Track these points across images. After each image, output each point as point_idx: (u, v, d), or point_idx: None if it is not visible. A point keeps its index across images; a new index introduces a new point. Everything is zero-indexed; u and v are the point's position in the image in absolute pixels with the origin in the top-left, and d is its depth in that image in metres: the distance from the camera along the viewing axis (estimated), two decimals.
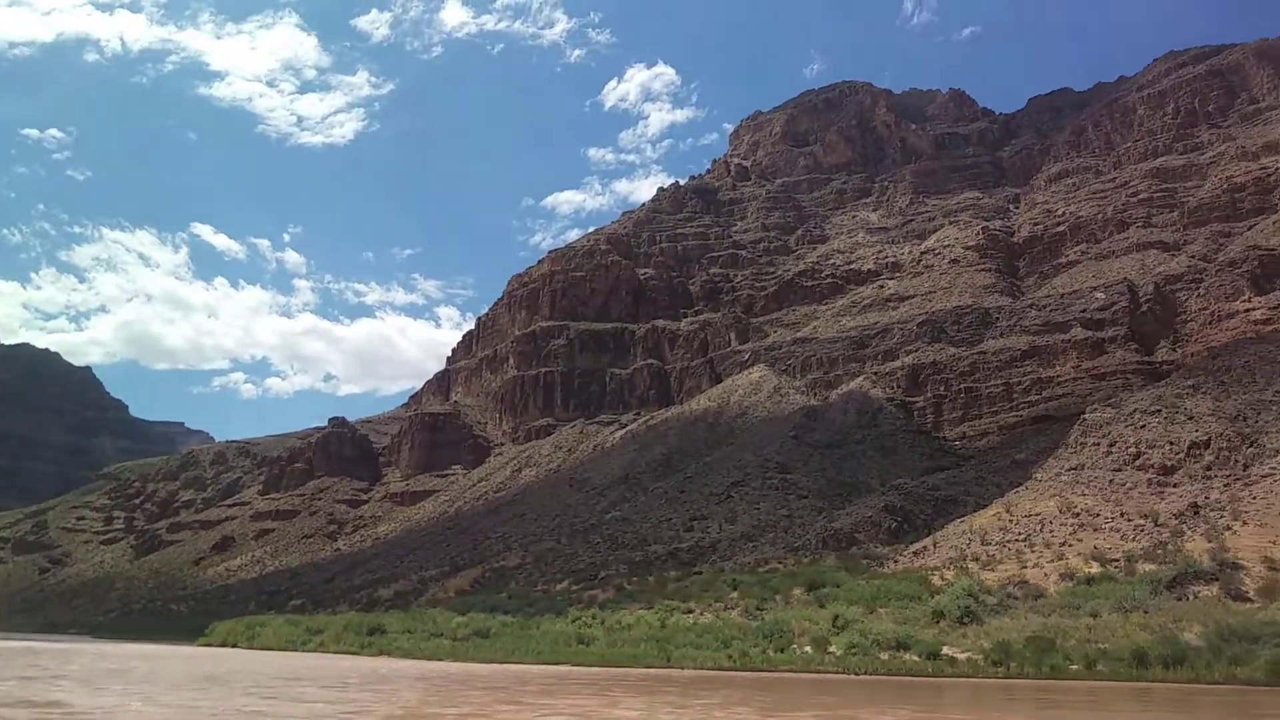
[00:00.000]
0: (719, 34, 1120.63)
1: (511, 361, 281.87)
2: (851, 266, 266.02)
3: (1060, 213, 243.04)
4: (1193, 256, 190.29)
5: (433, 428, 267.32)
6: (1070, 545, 67.01)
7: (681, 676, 40.51)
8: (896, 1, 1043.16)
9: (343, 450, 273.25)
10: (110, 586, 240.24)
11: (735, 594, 74.48)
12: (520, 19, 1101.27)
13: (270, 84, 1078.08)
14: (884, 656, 45.15)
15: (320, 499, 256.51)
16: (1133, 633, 44.12)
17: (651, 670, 44.35)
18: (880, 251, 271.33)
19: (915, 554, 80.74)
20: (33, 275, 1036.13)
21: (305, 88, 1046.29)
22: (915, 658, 44.38)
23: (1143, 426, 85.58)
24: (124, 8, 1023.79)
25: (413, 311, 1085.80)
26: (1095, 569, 60.43)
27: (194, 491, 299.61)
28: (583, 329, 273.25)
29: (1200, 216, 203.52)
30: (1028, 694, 36.55)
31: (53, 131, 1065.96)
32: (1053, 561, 64.08)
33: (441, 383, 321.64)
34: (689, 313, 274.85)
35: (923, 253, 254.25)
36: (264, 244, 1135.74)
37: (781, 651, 46.86)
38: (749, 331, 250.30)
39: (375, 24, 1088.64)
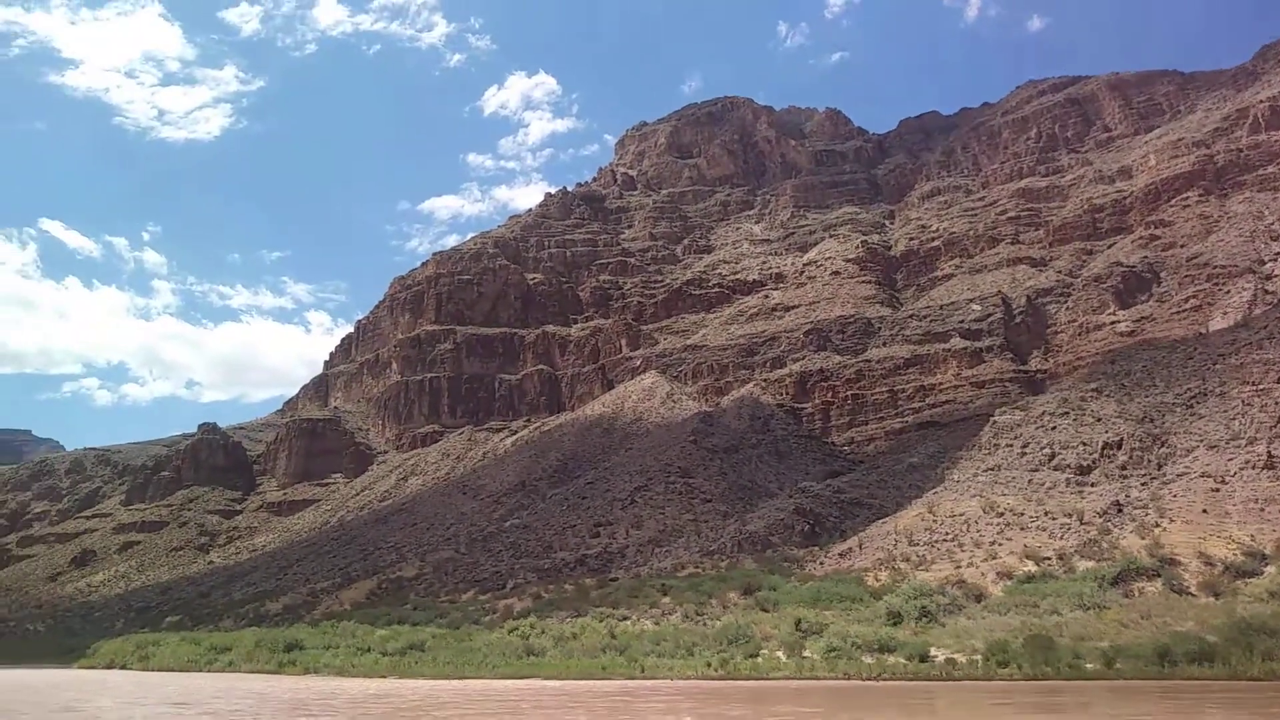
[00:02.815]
0: (600, 46, 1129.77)
1: (395, 366, 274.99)
2: (737, 276, 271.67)
3: (934, 228, 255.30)
4: (1059, 271, 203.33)
5: (311, 434, 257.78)
6: (1000, 544, 70.59)
7: (675, 688, 39.87)
8: (771, 24, 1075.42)
9: (214, 458, 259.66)
10: None
11: (667, 599, 74.91)
12: (398, 20, 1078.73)
13: (129, 75, 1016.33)
14: (868, 660, 46.32)
15: (190, 509, 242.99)
16: (1113, 630, 46.64)
17: (633, 682, 43.81)
18: (764, 262, 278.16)
19: (840, 555, 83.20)
20: None
21: (168, 80, 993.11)
22: (902, 660, 45.72)
23: (1053, 428, 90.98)
24: None
25: (282, 316, 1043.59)
26: (1031, 567, 63.87)
27: (48, 502, 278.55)
28: (470, 333, 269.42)
29: (1064, 234, 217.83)
30: (1100, 696, 36.18)
31: None
32: (986, 561, 67.32)
33: (319, 388, 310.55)
34: (579, 319, 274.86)
35: (805, 264, 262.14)
36: (121, 242, 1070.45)
37: (752, 657, 47.39)
38: (640, 338, 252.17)
39: (245, 17, 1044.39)
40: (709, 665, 45.87)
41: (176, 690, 42.92)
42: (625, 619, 67.96)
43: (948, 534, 76.22)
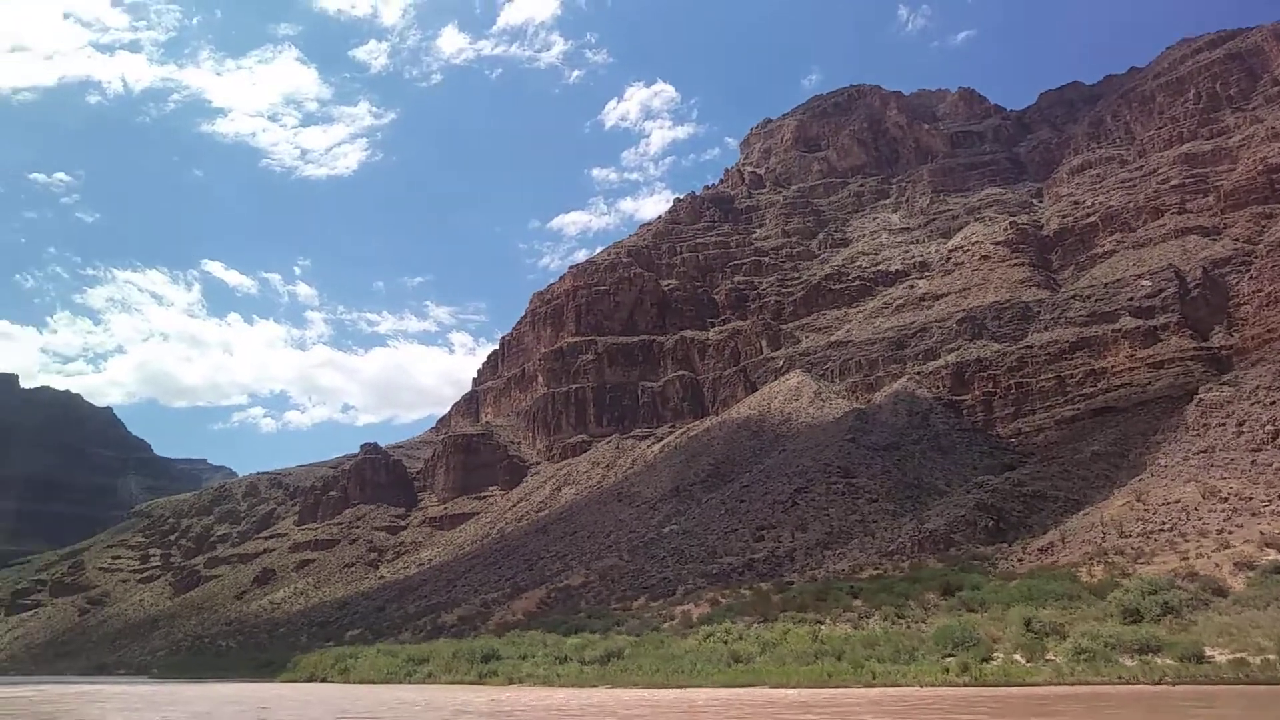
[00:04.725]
0: (716, 49, 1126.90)
1: (540, 379, 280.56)
2: (879, 268, 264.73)
3: (1089, 203, 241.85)
4: (1236, 239, 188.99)
5: (466, 450, 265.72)
6: (1230, 532, 65.31)
7: (932, 697, 37.37)
8: (890, 9, 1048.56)
9: (377, 476, 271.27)
10: (153, 625, 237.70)
11: (859, 602, 72.64)
12: (517, 43, 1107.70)
13: (273, 118, 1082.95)
14: (1126, 662, 43.13)
15: (358, 527, 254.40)
16: None
17: (871, 690, 41.81)
18: (906, 251, 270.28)
19: (1041, 551, 78.89)
20: (48, 319, 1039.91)
21: (307, 120, 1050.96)
22: (1170, 662, 42.22)
23: (1273, 403, 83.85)
24: (124, 48, 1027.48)
25: (426, 339, 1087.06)
26: (1275, 555, 58.60)
27: (229, 525, 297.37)
28: (610, 343, 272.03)
29: (1238, 199, 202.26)
30: None
31: (60, 175, 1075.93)
32: (1219, 550, 62.34)
33: (470, 404, 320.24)
34: (716, 322, 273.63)
35: (951, 250, 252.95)
36: (275, 278, 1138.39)
37: (986, 661, 44.89)
38: (780, 338, 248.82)
39: (374, 54, 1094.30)
40: (946, 671, 43.55)
41: (449, 702, 43.47)
42: (819, 623, 66.15)
43: (1164, 523, 71.04)
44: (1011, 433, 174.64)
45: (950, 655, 47.23)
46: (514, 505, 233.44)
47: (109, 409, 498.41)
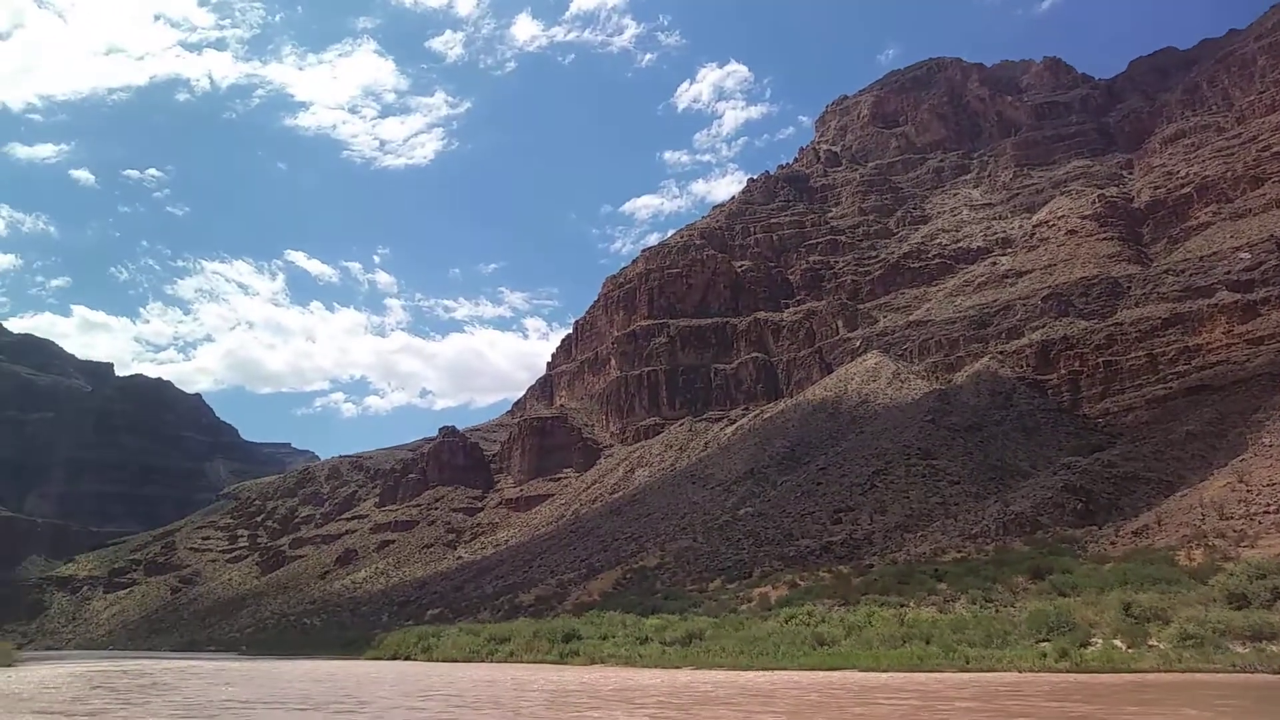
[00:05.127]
0: (789, 28, 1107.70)
1: (613, 362, 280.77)
2: (959, 245, 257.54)
3: (1183, 174, 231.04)
4: None
5: (541, 433, 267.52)
6: None
7: (1069, 683, 34.95)
8: None
9: (455, 459, 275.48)
10: (241, 604, 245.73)
11: (944, 585, 70.35)
12: (590, 28, 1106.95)
13: (352, 110, 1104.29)
14: (1239, 650, 40.52)
15: (437, 508, 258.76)
16: None
17: (964, 675, 39.76)
18: (988, 228, 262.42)
19: (1135, 534, 75.42)
20: (141, 309, 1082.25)
21: (386, 112, 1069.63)
22: None
23: None
24: (210, 46, 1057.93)
25: (501, 324, 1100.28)
26: None
27: (312, 507, 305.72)
28: (683, 326, 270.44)
29: None
30: None
31: (151, 171, 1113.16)
32: None
33: (544, 388, 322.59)
34: (791, 303, 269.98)
35: (1035, 226, 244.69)
36: (355, 267, 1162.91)
37: (1084, 647, 42.70)
38: (857, 318, 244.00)
39: (449, 44, 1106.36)
40: (1044, 656, 41.49)
41: (541, 682, 43.09)
42: (902, 606, 64.21)
43: (1270, 505, 67.06)
44: (1099, 413, 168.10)
45: (1045, 640, 45.06)
46: (588, 487, 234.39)
47: (198, 395, 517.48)
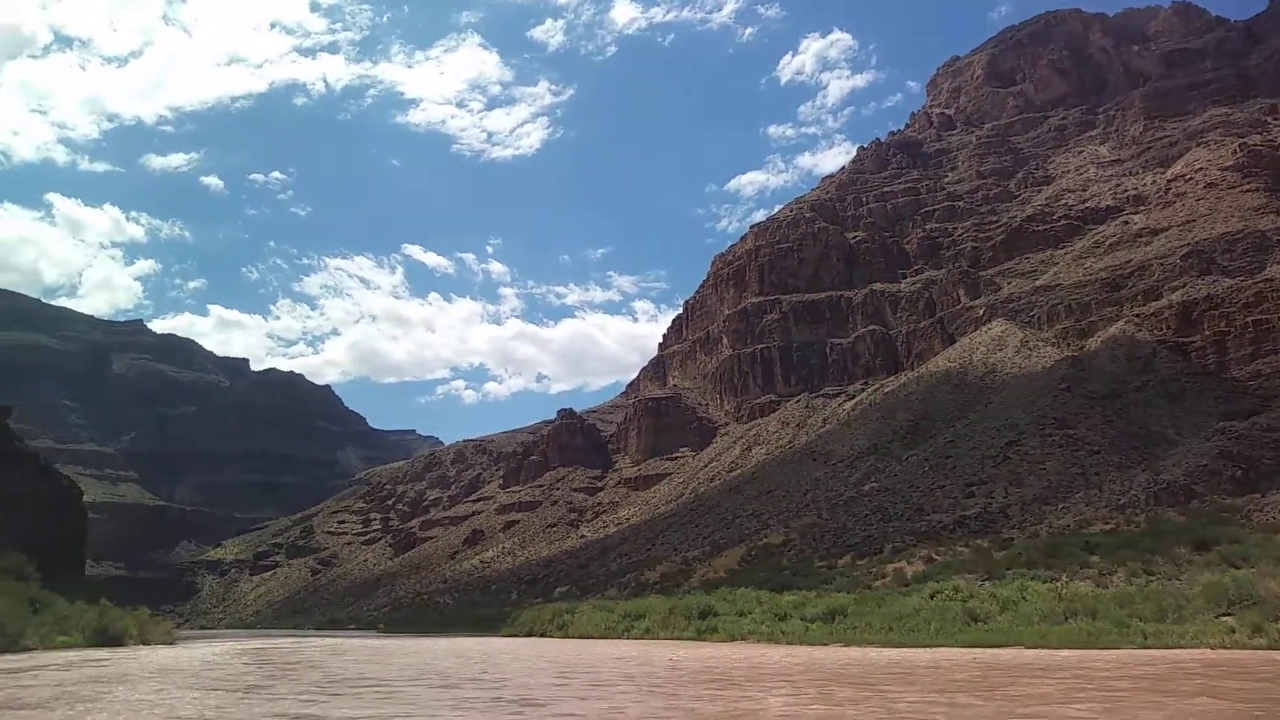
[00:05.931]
0: None
1: (725, 341, 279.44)
2: (1087, 205, 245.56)
3: None
4: None
5: (656, 413, 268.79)
6: None
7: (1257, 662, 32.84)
8: None
9: (574, 441, 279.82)
10: (377, 584, 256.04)
11: (1097, 558, 67.36)
12: (688, 6, 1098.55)
13: (460, 105, 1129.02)
14: None
15: (558, 489, 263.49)
16: None
17: (1150, 652, 37.23)
18: (1118, 185, 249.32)
19: None
20: (271, 307, 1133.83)
21: (492, 104, 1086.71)
22: None
23: None
24: (324, 50, 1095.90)
25: (610, 308, 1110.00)
26: None
27: (440, 490, 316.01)
28: (795, 301, 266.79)
29: None
30: None
31: (275, 174, 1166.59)
32: None
33: (656, 369, 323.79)
34: (908, 273, 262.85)
35: (1170, 180, 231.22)
36: (469, 258, 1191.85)
37: (1276, 621, 40.02)
38: (979, 286, 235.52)
39: (550, 33, 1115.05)
40: (1233, 631, 39.10)
41: (692, 661, 43.09)
42: (1054, 580, 61.76)
43: None
44: (1249, 375, 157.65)
45: (1226, 614, 42.54)
46: (705, 466, 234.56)
47: (328, 387, 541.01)
